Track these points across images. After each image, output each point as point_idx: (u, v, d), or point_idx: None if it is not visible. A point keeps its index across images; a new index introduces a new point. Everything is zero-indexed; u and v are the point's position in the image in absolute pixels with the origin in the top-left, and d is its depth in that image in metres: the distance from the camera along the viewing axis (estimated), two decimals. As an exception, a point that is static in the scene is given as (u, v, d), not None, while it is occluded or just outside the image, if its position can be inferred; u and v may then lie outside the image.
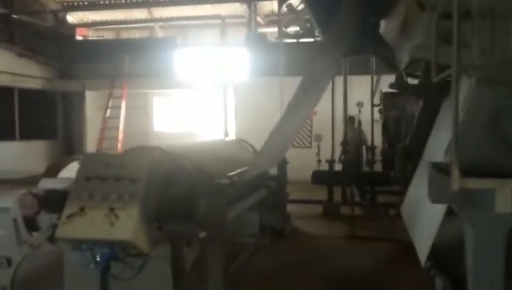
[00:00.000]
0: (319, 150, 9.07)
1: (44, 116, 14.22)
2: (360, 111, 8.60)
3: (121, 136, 13.05)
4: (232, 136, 12.14)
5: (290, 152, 6.43)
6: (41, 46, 13.79)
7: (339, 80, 8.24)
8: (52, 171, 3.72)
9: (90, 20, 15.78)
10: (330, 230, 7.46)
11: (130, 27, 16.31)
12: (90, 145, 14.24)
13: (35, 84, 13.70)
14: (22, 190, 3.35)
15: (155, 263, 3.10)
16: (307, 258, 5.73)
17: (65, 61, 14.45)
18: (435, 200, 2.80)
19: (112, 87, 13.17)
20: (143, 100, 15.43)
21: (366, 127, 8.72)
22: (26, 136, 13.33)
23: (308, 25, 12.23)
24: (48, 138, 14.42)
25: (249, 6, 13.63)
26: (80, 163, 3.04)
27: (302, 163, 8.60)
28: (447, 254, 3.15)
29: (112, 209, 2.69)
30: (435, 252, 3.07)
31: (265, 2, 14.28)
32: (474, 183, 2.51)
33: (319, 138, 9.15)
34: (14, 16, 12.57)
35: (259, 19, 14.34)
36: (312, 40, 12.92)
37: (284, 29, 12.74)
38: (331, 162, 8.61)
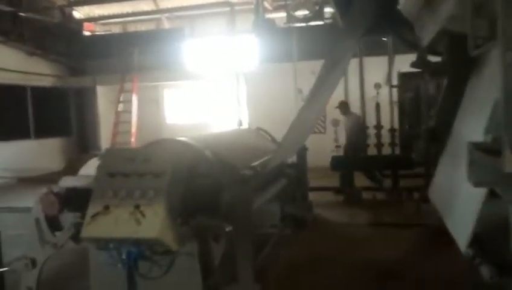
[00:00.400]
0: (336, 135, 8.89)
1: (57, 114, 14.28)
2: (378, 93, 8.37)
3: (134, 129, 13.01)
4: (245, 126, 12.00)
5: (304, 138, 6.25)
6: (50, 44, 13.76)
7: (352, 62, 8.01)
8: (72, 168, 3.62)
9: (96, 15, 15.67)
10: (353, 217, 7.28)
11: (137, 20, 16.15)
12: (104, 140, 14.25)
13: (46, 82, 13.73)
14: (43, 188, 3.25)
15: (182, 260, 2.99)
16: (334, 248, 5.57)
17: (74, 57, 14.41)
18: (477, 183, 2.63)
19: (123, 81, 13.11)
20: (154, 93, 15.34)
21: (384, 109, 8.48)
22: (40, 134, 13.40)
23: (317, 7, 11.96)
24: (62, 135, 14.49)
25: (257, -9, 13.37)
26: (101, 159, 2.92)
27: (316, 149, 8.43)
28: (490, 240, 2.97)
29: (137, 207, 2.57)
30: (476, 239, 2.89)
31: (273, -13, 14.00)
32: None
33: (335, 122, 8.95)
34: (22, 14, 12.48)
35: (266, 5, 14.06)
36: (322, 22, 12.66)
37: (293, 13, 12.48)
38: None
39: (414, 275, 4.62)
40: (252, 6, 13.81)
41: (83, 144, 14.94)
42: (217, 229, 3.21)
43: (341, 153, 8.79)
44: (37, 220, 3.26)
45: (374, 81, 8.84)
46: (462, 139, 3.83)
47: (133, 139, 12.86)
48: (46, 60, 13.69)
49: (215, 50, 12.61)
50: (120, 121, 13.12)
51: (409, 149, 8.83)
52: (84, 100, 14.86)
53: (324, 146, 9.06)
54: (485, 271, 2.74)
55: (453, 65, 4.94)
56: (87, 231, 2.59)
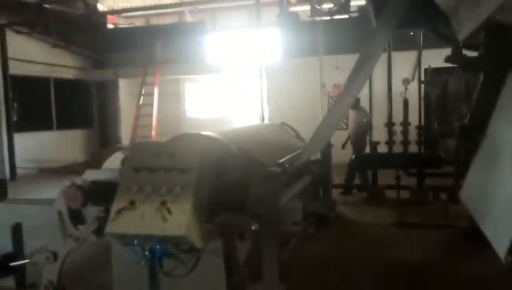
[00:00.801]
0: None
1: (79, 106, 14.43)
2: (406, 88, 8.11)
3: (154, 123, 13.00)
4: (266, 121, 11.86)
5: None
6: (74, 36, 13.85)
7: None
8: (95, 161, 3.55)
9: (120, 8, 15.69)
10: (376, 216, 7.09)
11: (160, 13, 16.12)
12: (125, 133, 14.31)
13: (69, 74, 13.85)
14: (65, 181, 3.19)
15: (206, 258, 2.89)
16: (358, 248, 5.43)
17: (98, 50, 14.49)
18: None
19: (145, 74, 13.10)
20: (175, 86, 15.32)
21: (413, 106, 8.21)
22: (62, 126, 13.56)
23: (343, 0, 11.70)
24: (84, 127, 14.65)
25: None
26: (127, 153, 2.84)
27: (338, 145, 8.23)
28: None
29: (163, 203, 2.47)
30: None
31: (297, -21, 13.77)
32: None
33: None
34: (47, 6, 12.57)
35: (290, -2, 13.85)
36: (347, 16, 12.39)
37: (317, 6, 12.23)
38: (375, 144, 8.20)
39: (444, 278, 4.44)
40: (274, 0, 13.63)
41: (103, 136, 15.05)
42: (243, 227, 3.10)
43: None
44: (60, 213, 3.20)
45: (400, 77, 8.60)
46: (500, 139, 3.62)
47: (153, 133, 12.86)
48: (69, 52, 13.81)
49: (237, 44, 12.47)
50: (141, 114, 13.14)
51: (434, 147, 8.58)
52: (106, 93, 14.94)
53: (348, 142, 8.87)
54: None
55: (491, 60, 4.73)
56: (112, 227, 2.50)
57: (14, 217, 5.02)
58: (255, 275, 3.15)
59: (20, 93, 12.07)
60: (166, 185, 2.54)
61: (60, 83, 13.46)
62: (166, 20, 16.10)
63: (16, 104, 11.94)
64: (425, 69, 8.90)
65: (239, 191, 3.05)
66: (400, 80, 8.40)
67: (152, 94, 13.14)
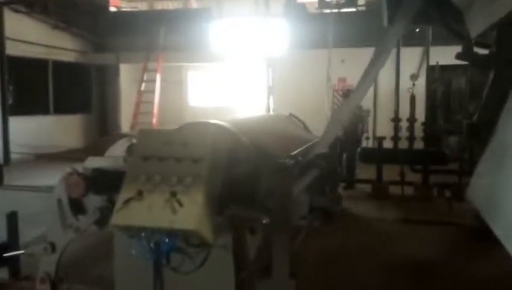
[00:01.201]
0: (367, 125, 8.53)
1: (78, 90, 14.07)
2: (414, 84, 7.96)
3: (156, 110, 12.79)
4: (271, 111, 11.71)
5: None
6: (75, 18, 13.51)
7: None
8: (98, 148, 3.38)
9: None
10: (381, 212, 7.04)
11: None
12: (125, 119, 14.09)
13: (68, 57, 13.52)
14: (63, 167, 3.01)
15: (215, 253, 2.73)
16: (364, 244, 5.36)
17: (99, 33, 14.17)
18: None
19: (147, 60, 12.85)
20: (177, 74, 15.07)
21: (419, 102, 8.07)
22: (60, 110, 13.21)
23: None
24: (82, 112, 14.31)
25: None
26: (134, 141, 2.66)
27: (346, 140, 8.08)
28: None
29: (173, 194, 2.31)
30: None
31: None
32: None
33: (366, 113, 8.59)
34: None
35: (298, -12, 13.61)
36: (354, 10, 12.22)
37: (325, -2, 12.01)
38: (380, 139, 8.06)
39: (452, 275, 4.39)
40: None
41: (102, 122, 14.79)
42: (254, 220, 2.95)
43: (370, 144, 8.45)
44: (59, 202, 3.02)
45: (406, 73, 8.44)
46: (510, 138, 3.52)
47: (154, 120, 12.66)
48: (69, 34, 13.45)
49: (242, 32, 12.20)
50: (142, 100, 12.92)
51: (436, 144, 8.48)
52: (106, 77, 14.67)
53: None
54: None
55: (502, 59, 4.62)
56: (118, 218, 2.34)
57: (9, 204, 4.87)
58: (263, 270, 3.02)
59: (16, 75, 11.56)
60: (177, 175, 2.38)
61: (59, 66, 13.08)
62: (170, 6, 15.83)
63: (11, 86, 11.40)
64: (432, 66, 8.77)
65: (250, 183, 2.89)
66: (406, 75, 8.26)
67: (154, 81, 12.91)
